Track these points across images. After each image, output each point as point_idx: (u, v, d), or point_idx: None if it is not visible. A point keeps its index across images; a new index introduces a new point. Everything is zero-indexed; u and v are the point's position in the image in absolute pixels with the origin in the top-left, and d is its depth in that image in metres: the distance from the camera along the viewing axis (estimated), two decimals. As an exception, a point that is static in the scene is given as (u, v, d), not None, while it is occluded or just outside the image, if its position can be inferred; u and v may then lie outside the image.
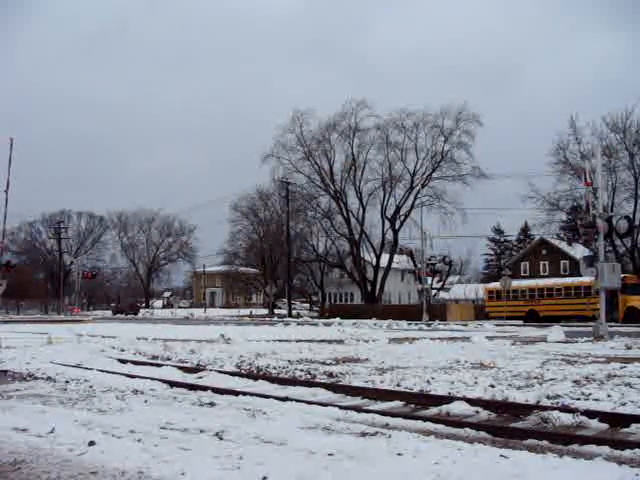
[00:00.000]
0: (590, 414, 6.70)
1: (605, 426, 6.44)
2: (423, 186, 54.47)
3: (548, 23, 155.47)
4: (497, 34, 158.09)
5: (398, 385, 9.40)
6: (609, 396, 8.02)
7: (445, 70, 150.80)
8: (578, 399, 7.85)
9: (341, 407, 7.41)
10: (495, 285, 45.11)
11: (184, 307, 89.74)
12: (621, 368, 11.25)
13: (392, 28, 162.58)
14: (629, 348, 16.38)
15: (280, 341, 19.54)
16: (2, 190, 20.98)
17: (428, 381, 9.62)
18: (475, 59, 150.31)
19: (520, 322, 38.30)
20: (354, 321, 37.73)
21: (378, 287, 56.08)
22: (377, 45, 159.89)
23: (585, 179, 24.47)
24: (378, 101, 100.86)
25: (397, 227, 55.66)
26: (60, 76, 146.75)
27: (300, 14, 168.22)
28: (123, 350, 16.28)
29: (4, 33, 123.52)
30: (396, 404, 8.02)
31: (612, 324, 31.47)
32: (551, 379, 9.91)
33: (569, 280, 42.19)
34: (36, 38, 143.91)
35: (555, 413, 6.70)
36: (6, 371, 11.64)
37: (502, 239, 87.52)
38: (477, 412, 7.23)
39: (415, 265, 52.21)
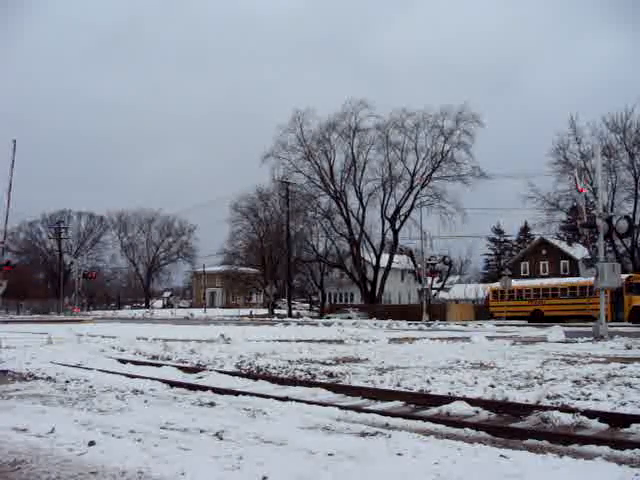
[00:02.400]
0: (590, 414, 6.70)
1: (605, 426, 6.43)
2: (423, 186, 54.52)
3: (549, 24, 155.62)
4: (497, 34, 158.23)
5: (398, 385, 9.40)
6: (609, 396, 8.02)
7: (446, 70, 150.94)
8: (578, 399, 7.85)
9: (341, 407, 7.41)
10: (499, 285, 44.94)
11: (184, 307, 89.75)
12: (621, 368, 11.25)
13: (393, 28, 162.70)
14: (629, 348, 16.39)
15: (280, 341, 19.54)
16: (3, 190, 21.17)
17: (428, 381, 9.62)
18: (476, 59, 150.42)
19: (524, 322, 37.92)
20: (354, 321, 37.73)
21: (378, 287, 56.10)
22: (378, 45, 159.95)
23: (576, 186, 24.70)
24: (378, 101, 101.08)
25: (397, 227, 55.71)
26: (62, 76, 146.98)
27: (300, 14, 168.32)
28: (123, 350, 16.27)
29: (6, 33, 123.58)
30: (396, 404, 8.02)
31: (617, 324, 31.52)
32: (551, 379, 9.91)
33: (574, 280, 41.83)
34: (37, 37, 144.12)
35: (555, 413, 6.70)
36: (6, 371, 11.63)
37: (502, 239, 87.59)
38: (477, 412, 7.23)
39: (415, 265, 52.22)
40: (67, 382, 9.95)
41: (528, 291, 41.92)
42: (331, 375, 10.82)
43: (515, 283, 44.55)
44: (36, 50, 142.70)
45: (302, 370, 11.50)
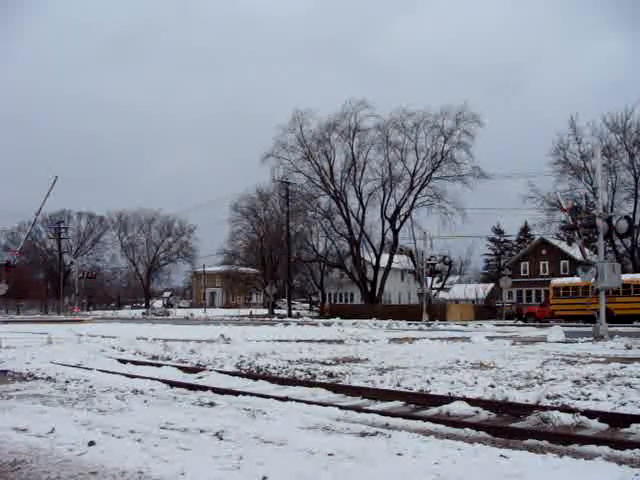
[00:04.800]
0: (590, 414, 6.70)
1: (605, 426, 6.43)
2: (423, 186, 54.47)
3: (549, 24, 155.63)
4: (498, 34, 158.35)
5: (398, 385, 9.40)
6: (609, 396, 8.02)
7: (446, 70, 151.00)
8: (578, 399, 7.85)
9: (341, 407, 7.41)
10: (562, 281, 41.14)
11: (184, 307, 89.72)
12: (621, 368, 11.26)
13: (394, 29, 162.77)
14: (629, 348, 16.39)
15: (280, 341, 19.54)
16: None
17: (428, 381, 9.63)
18: (476, 59, 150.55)
19: (582, 322, 34.42)
20: (354, 321, 37.73)
21: (378, 287, 56.06)
22: (378, 46, 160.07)
23: (561, 205, 24.95)
24: (378, 101, 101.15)
25: (397, 227, 55.68)
26: (62, 76, 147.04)
27: (301, 15, 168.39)
28: (123, 350, 16.28)
29: (7, 33, 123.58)
30: (396, 404, 8.02)
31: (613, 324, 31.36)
32: (551, 379, 9.92)
33: None
34: (38, 37, 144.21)
35: (555, 413, 6.70)
36: (6, 371, 11.64)
37: (502, 239, 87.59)
38: (477, 412, 7.23)
39: (415, 265, 52.21)
40: (67, 382, 9.95)
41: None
42: (331, 375, 10.82)
43: (580, 279, 41.99)
44: (36, 50, 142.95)
45: (302, 370, 11.50)
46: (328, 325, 34.55)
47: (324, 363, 12.86)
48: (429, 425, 6.48)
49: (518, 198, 52.67)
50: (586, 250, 27.76)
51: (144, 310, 79.43)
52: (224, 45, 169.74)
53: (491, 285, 71.30)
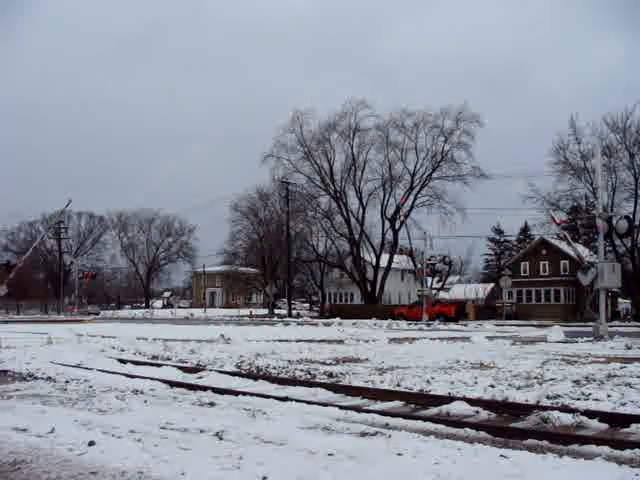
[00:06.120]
0: (590, 414, 6.71)
1: (605, 426, 6.44)
2: (423, 186, 54.45)
3: (550, 24, 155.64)
4: (499, 35, 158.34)
5: (398, 385, 9.40)
6: (609, 396, 8.02)
7: (446, 70, 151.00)
8: (578, 399, 7.85)
9: (341, 407, 7.42)
10: None
11: (184, 307, 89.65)
12: (621, 368, 11.26)
13: (394, 29, 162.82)
14: (629, 348, 16.39)
15: (280, 341, 19.53)
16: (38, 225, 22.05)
17: (428, 381, 9.63)
18: (476, 60, 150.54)
19: None
20: (354, 321, 37.73)
21: (378, 287, 56.05)
22: (379, 46, 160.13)
23: (553, 219, 24.98)
24: (378, 101, 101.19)
25: (397, 227, 55.67)
26: (63, 77, 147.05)
27: (302, 15, 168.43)
28: (123, 350, 16.27)
29: (6, 32, 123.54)
30: (396, 404, 8.02)
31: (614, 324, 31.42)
32: (551, 379, 9.92)
33: None
34: (39, 38, 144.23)
35: (555, 413, 6.70)
36: (6, 371, 11.64)
37: (502, 239, 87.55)
38: (477, 412, 7.23)
39: (415, 265, 52.18)
40: (67, 382, 9.95)
41: None
42: (331, 375, 10.82)
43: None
44: (38, 50, 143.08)
45: (302, 370, 11.50)
46: (328, 325, 34.55)
47: (324, 363, 12.86)
48: (429, 425, 6.48)
49: (518, 198, 52.51)
50: (583, 250, 27.61)
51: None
52: (224, 45, 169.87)
53: (491, 285, 71.26)
